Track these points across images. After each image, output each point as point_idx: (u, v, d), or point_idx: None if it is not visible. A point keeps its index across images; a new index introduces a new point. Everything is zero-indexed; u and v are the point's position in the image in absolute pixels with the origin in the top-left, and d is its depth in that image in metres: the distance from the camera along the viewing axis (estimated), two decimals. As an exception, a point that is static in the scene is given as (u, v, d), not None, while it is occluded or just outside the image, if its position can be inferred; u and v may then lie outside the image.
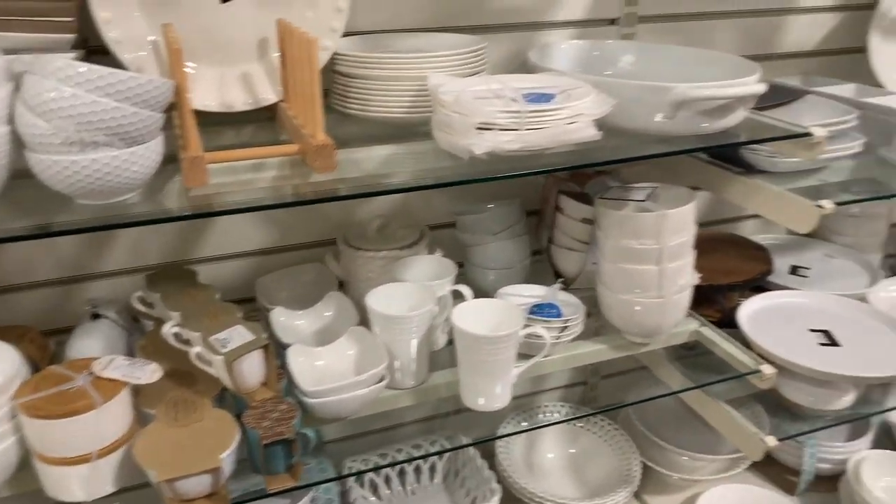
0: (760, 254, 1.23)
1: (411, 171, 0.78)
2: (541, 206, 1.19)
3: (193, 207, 0.68)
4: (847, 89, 1.21)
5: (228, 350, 0.77)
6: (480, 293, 1.01)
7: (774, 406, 1.24)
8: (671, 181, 1.03)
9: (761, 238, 1.42)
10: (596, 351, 1.01)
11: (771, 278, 1.26)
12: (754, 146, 0.95)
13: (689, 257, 0.95)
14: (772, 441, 1.01)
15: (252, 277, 1.07)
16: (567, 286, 1.11)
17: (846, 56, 1.31)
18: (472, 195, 1.12)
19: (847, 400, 1.08)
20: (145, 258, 1.04)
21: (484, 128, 0.71)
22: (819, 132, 0.83)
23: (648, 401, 1.27)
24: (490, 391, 0.87)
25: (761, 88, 0.80)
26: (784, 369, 1.02)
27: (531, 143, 0.72)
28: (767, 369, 0.96)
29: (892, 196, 1.02)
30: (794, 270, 1.32)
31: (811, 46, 1.30)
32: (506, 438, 1.35)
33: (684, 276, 0.95)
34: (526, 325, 0.88)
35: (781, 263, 1.34)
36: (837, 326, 1.12)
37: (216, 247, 1.06)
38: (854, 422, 1.39)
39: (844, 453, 1.33)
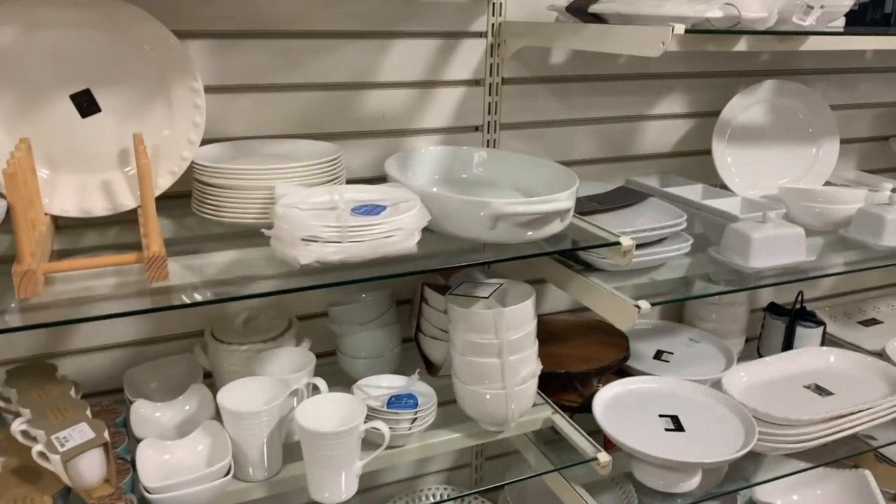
0: (620, 341, 1.31)
1: (238, 278, 0.84)
2: (412, 295, 1.26)
3: (24, 319, 0.72)
4: (694, 190, 1.33)
5: (65, 449, 0.80)
6: (351, 381, 1.06)
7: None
8: (527, 276, 1.11)
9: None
10: (451, 440, 1.06)
11: (635, 363, 1.34)
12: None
13: (531, 349, 1.02)
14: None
15: (125, 368, 1.10)
16: (434, 373, 1.17)
17: (700, 157, 1.44)
18: (345, 286, 1.19)
19: (693, 482, 1.15)
20: (13, 351, 1.06)
21: (310, 240, 0.78)
22: (626, 241, 0.92)
23: (518, 482, 1.32)
24: (334, 484, 0.91)
25: (569, 205, 0.89)
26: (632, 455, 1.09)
27: (354, 255, 0.78)
28: (603, 457, 1.02)
29: (716, 293, 1.11)
30: (659, 355, 1.40)
31: (668, 148, 1.43)
32: (388, 523, 1.37)
33: (527, 367, 1.02)
34: (369, 419, 0.93)
35: (648, 348, 1.43)
36: (686, 411, 1.20)
37: (85, 340, 1.09)
38: (722, 498, 1.46)
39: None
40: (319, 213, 0.82)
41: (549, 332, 1.30)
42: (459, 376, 1.02)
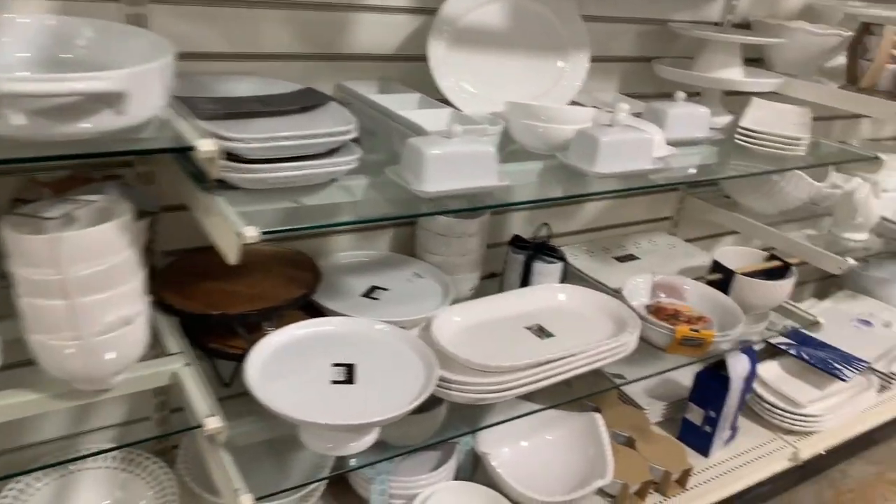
0: (309, 276, 1.11)
1: None
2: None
3: None
4: (404, 100, 1.12)
5: None
6: None
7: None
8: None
9: (355, 255, 1.32)
10: (30, 402, 0.81)
11: (336, 301, 1.15)
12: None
13: (123, 287, 0.78)
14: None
15: None
16: None
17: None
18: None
19: (367, 440, 0.98)
20: None
21: None
22: (206, 146, 0.69)
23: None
24: None
25: (110, 87, 0.64)
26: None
27: None
28: (212, 423, 0.82)
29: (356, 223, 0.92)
30: (371, 292, 1.22)
31: (392, 50, 1.21)
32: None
33: (115, 311, 0.78)
34: None
35: (362, 283, 1.24)
36: (366, 359, 1.02)
37: None
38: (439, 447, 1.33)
39: (419, 487, 1.25)
40: None
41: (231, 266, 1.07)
42: (26, 324, 0.77)
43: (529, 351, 1.14)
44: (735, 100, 1.48)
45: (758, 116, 1.37)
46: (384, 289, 1.22)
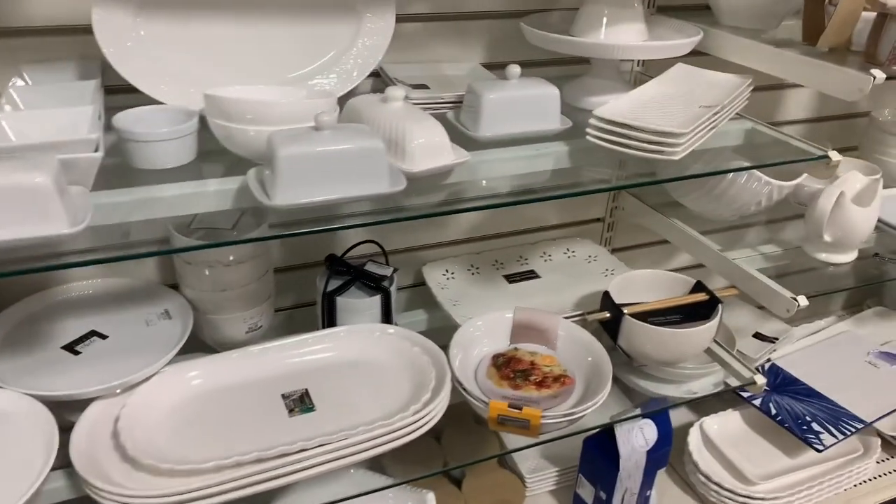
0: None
1: None
2: None
3: None
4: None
5: None
6: None
7: None
8: None
9: (90, 285, 1.03)
10: None
11: (24, 354, 0.88)
12: None
13: None
14: None
15: None
16: None
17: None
18: None
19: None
20: None
21: None
22: None
23: None
24: None
25: None
26: None
27: None
28: None
29: None
30: (80, 340, 0.94)
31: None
32: None
33: None
34: None
35: (79, 327, 0.96)
36: None
37: None
38: None
39: None
40: None
41: None
42: None
43: (258, 434, 0.84)
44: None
45: (648, 97, 0.95)
46: (102, 336, 0.94)
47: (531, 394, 0.96)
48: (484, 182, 0.86)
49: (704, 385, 1.19)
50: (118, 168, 0.76)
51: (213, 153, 0.82)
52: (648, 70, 1.20)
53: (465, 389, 0.92)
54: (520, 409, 0.89)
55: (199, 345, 1.01)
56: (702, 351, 1.07)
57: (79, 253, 0.64)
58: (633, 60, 1.21)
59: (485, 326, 1.04)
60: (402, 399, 0.90)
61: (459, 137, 0.86)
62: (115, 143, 0.77)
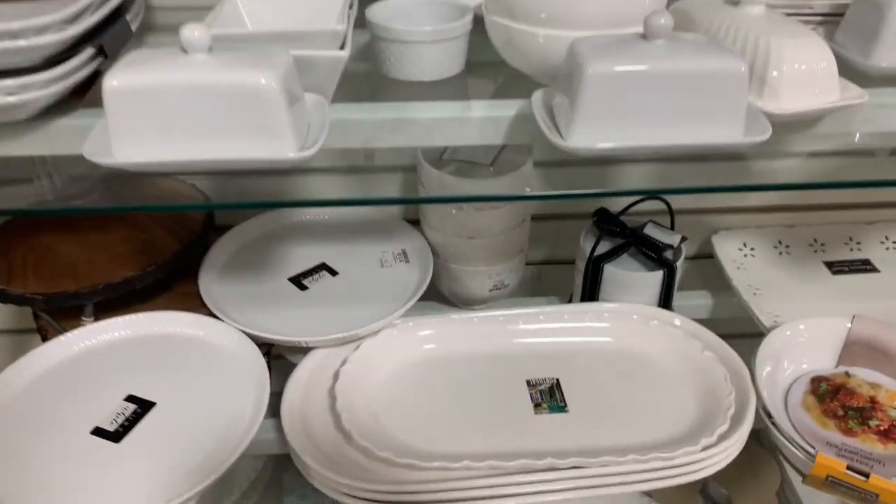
0: (189, 235, 0.76)
1: None
2: None
3: None
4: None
5: None
6: None
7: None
8: None
9: (321, 212, 0.91)
10: None
11: (243, 283, 0.79)
12: None
13: None
14: None
15: None
16: None
17: None
18: None
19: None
20: None
21: None
22: None
23: None
24: None
25: None
26: None
27: None
28: None
29: None
30: (308, 274, 0.82)
31: None
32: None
33: None
34: None
35: (308, 258, 0.84)
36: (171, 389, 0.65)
37: None
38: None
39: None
40: None
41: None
42: None
43: (496, 428, 0.67)
44: None
45: None
46: (333, 272, 0.82)
47: (872, 447, 0.67)
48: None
49: None
50: (365, 76, 0.59)
51: (483, 66, 0.62)
52: None
53: (777, 428, 0.66)
54: (866, 476, 0.61)
55: (432, 293, 0.86)
56: None
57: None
58: None
59: (808, 333, 0.76)
60: (684, 422, 0.66)
61: (840, 67, 0.57)
62: (366, 43, 0.60)
